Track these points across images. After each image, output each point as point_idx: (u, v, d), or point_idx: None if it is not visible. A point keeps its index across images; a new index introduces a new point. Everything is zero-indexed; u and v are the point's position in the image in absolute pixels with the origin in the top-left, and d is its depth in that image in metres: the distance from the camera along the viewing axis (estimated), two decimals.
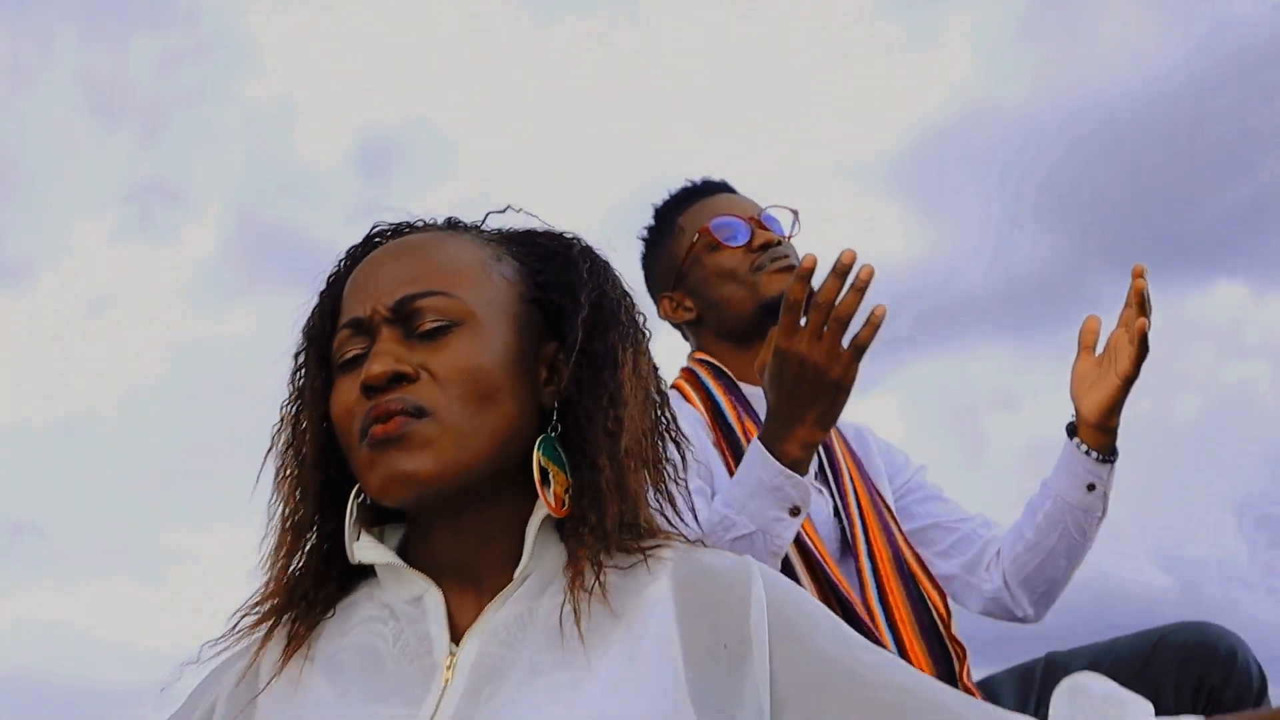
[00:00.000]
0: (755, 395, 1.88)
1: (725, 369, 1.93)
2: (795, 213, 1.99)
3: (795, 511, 1.53)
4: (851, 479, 1.86)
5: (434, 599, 1.01)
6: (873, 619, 1.72)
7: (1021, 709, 1.77)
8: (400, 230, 1.11)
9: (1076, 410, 1.77)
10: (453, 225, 1.12)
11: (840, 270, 1.45)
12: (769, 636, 0.96)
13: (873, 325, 1.48)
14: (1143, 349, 1.66)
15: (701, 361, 1.95)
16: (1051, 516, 1.82)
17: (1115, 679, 1.79)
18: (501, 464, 1.00)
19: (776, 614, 0.97)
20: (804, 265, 1.48)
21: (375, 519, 1.06)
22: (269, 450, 1.08)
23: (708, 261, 1.94)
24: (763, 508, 1.51)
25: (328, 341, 1.06)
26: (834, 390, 1.49)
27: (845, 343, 1.51)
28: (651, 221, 2.07)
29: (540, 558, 1.01)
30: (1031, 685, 1.83)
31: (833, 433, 1.88)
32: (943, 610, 1.77)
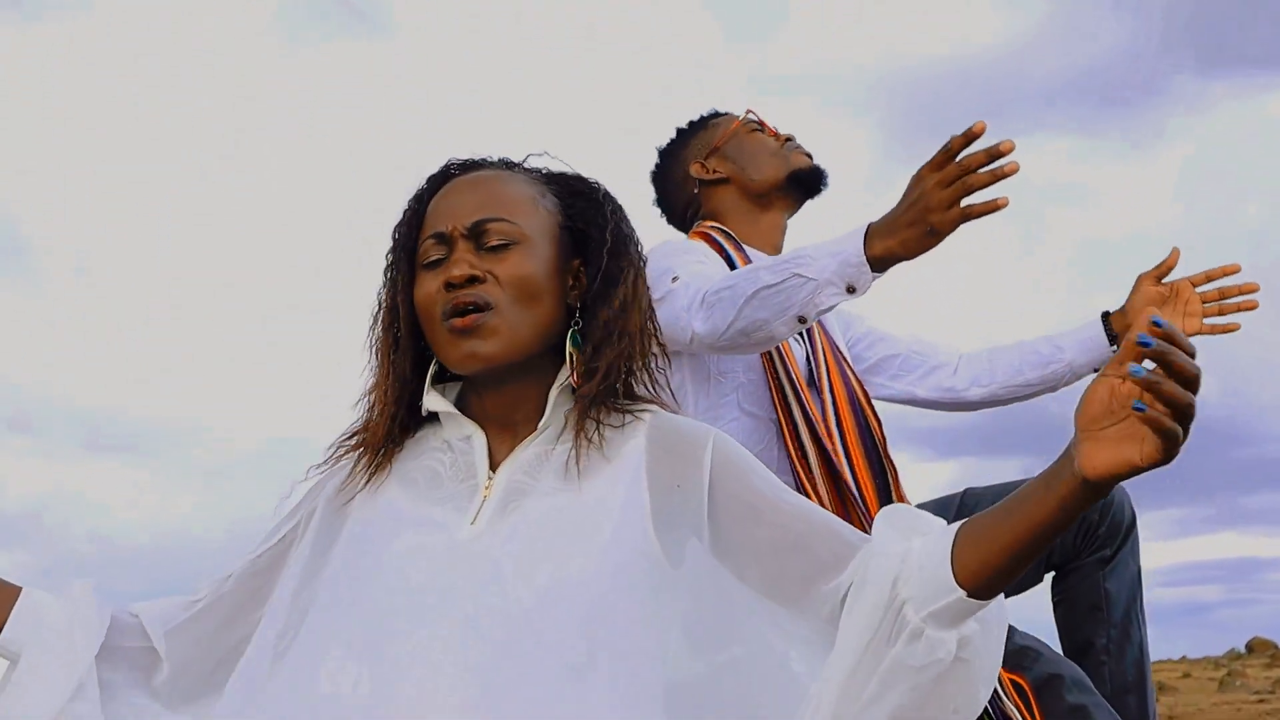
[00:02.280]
0: (760, 259, 2.22)
1: (734, 234, 2.33)
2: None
3: (851, 290, 1.83)
4: (820, 333, 2.28)
5: (479, 439, 1.40)
6: (830, 439, 2.11)
7: None
8: (468, 165, 1.47)
9: (1130, 315, 2.26)
10: (508, 165, 1.48)
11: (994, 152, 1.68)
12: (710, 478, 1.34)
13: (989, 207, 1.71)
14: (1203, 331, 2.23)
15: (714, 227, 2.35)
16: (1056, 375, 2.36)
17: None
18: (543, 346, 1.39)
19: (720, 462, 1.35)
20: (974, 128, 1.71)
21: (438, 379, 1.44)
22: (370, 326, 1.44)
23: (746, 139, 2.40)
24: (831, 269, 1.82)
25: (414, 246, 1.42)
26: (930, 231, 1.74)
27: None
28: (686, 125, 2.51)
29: (558, 414, 1.40)
30: (948, 508, 2.22)
31: None
32: (881, 436, 2.20)
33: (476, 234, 1.37)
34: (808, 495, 1.99)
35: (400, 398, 1.42)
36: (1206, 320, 2.20)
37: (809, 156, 2.38)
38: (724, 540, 1.34)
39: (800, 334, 2.23)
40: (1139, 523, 2.15)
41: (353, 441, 1.44)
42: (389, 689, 1.25)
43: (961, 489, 2.28)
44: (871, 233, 1.80)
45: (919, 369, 2.44)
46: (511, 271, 1.36)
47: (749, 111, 2.45)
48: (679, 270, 2.07)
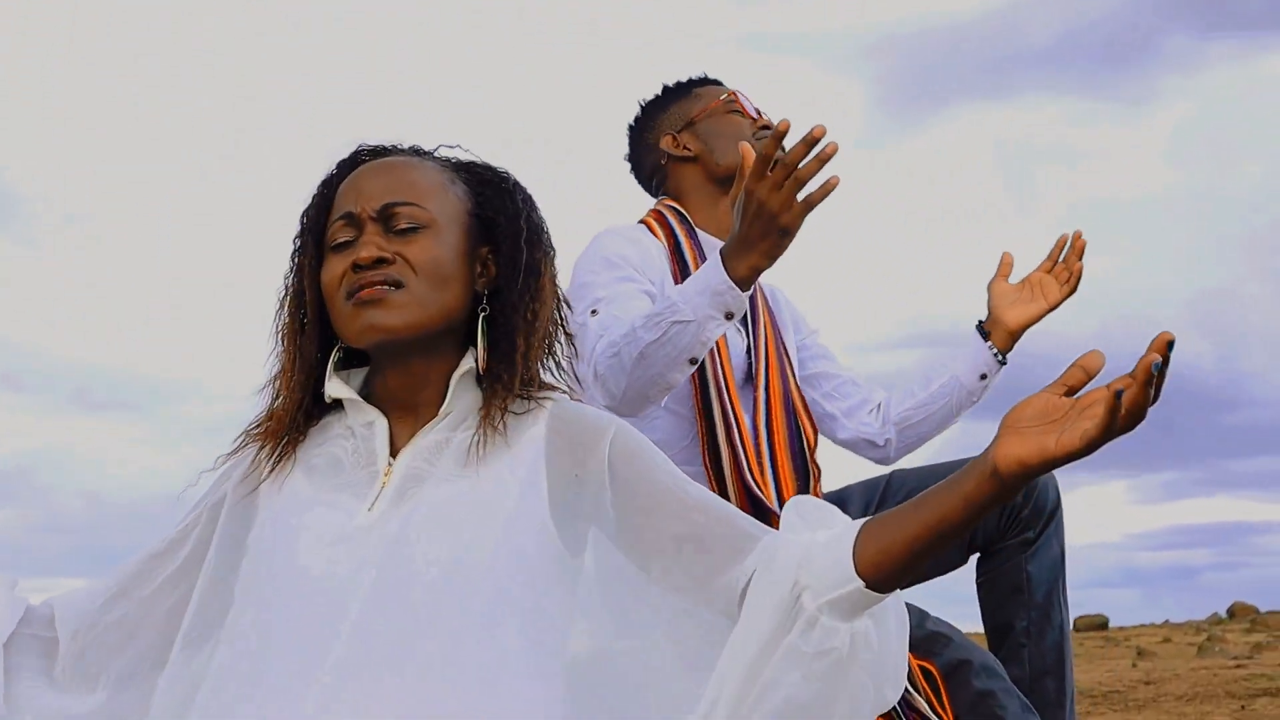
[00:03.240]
0: (710, 244, 2.26)
1: (689, 216, 2.33)
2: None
3: (729, 316, 1.87)
4: (765, 327, 2.27)
5: (381, 425, 1.41)
6: (756, 438, 2.11)
7: (864, 508, 2.18)
8: (379, 151, 1.47)
9: (995, 317, 2.34)
10: (418, 152, 1.48)
11: (810, 140, 1.73)
12: (610, 468, 1.35)
13: (825, 190, 1.76)
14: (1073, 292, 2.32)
15: (670, 207, 2.34)
16: (945, 388, 2.38)
17: None
18: (447, 328, 1.40)
19: (620, 452, 1.36)
20: (779, 128, 1.77)
21: (343, 365, 1.45)
22: (276, 311, 1.45)
23: (721, 117, 2.37)
24: (705, 305, 1.86)
25: (322, 230, 1.43)
26: (781, 233, 1.79)
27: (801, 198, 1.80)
28: (670, 85, 2.48)
29: (460, 400, 1.41)
30: (875, 493, 2.22)
31: (757, 289, 2.29)
32: (811, 439, 2.22)
33: (385, 216, 1.38)
34: None
35: (305, 384, 1.43)
36: (1065, 287, 2.34)
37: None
38: (625, 531, 1.34)
39: (742, 326, 2.23)
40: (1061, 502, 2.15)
41: (259, 430, 1.45)
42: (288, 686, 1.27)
43: (889, 472, 2.28)
44: (728, 256, 1.85)
45: (850, 399, 2.45)
46: (420, 254, 1.37)
47: (731, 93, 2.41)
48: (600, 296, 2.08)
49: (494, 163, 1.51)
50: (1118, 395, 1.08)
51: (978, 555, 2.18)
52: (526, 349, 1.39)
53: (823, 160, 1.73)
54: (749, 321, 2.24)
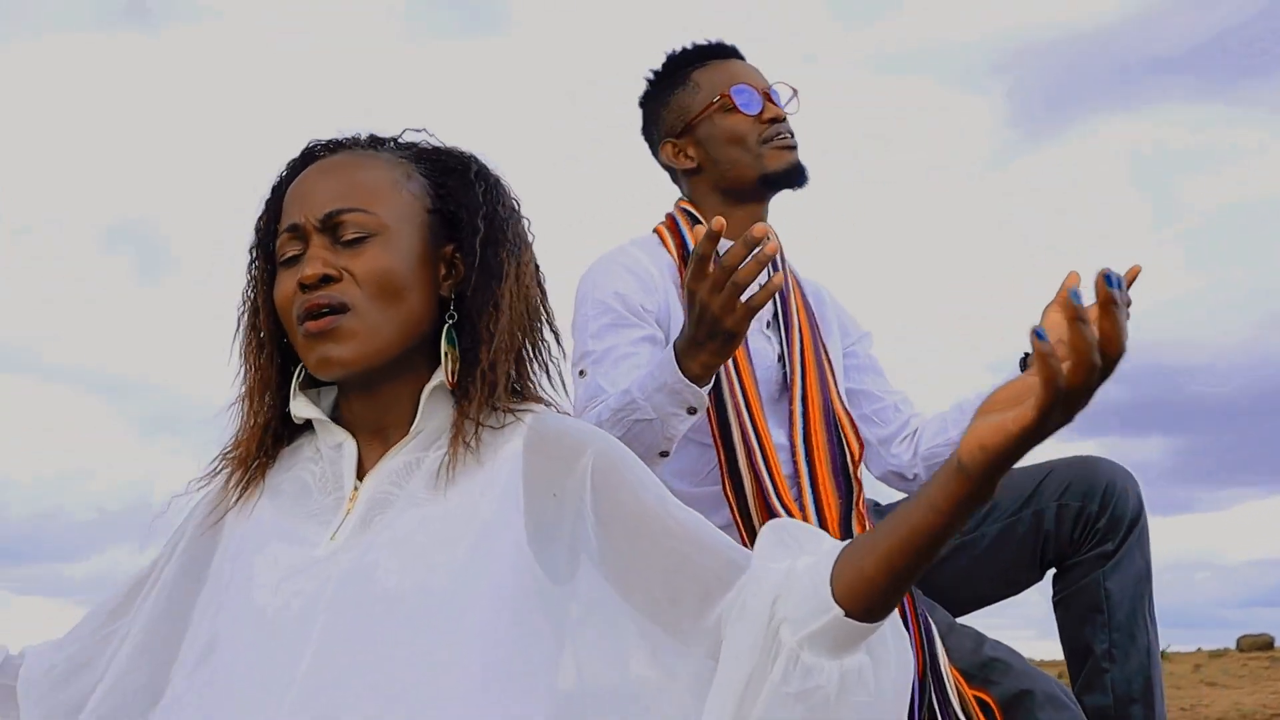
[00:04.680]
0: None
1: (704, 221, 2.11)
2: (795, 91, 2.18)
3: (692, 411, 1.74)
4: (801, 331, 2.08)
5: (350, 447, 1.30)
6: (793, 454, 1.95)
7: None
8: (331, 146, 1.35)
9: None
10: (374, 143, 1.36)
11: (749, 241, 1.60)
12: (592, 489, 1.22)
13: (768, 291, 1.62)
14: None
15: (685, 212, 2.16)
16: None
17: (1007, 505, 2.00)
18: (409, 346, 1.27)
19: (602, 469, 1.23)
20: (713, 226, 1.63)
21: (314, 382, 1.34)
22: (235, 327, 1.35)
23: (720, 122, 2.13)
24: (664, 403, 1.73)
25: (272, 241, 1.32)
26: (726, 336, 1.65)
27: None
28: (661, 69, 2.23)
29: (431, 417, 1.29)
30: None
31: (791, 286, 2.13)
32: (856, 453, 2.03)
33: (331, 227, 1.26)
34: (739, 530, 1.87)
35: (270, 404, 1.34)
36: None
37: (790, 149, 2.12)
38: (607, 557, 1.22)
39: (773, 332, 2.07)
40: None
41: (229, 455, 1.36)
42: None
43: None
44: (680, 353, 1.72)
45: (890, 425, 2.24)
46: (368, 267, 1.25)
47: (723, 95, 2.13)
48: (589, 351, 1.96)
49: (461, 147, 1.38)
50: (1038, 334, 0.90)
51: (1053, 571, 1.99)
52: (492, 360, 1.26)
53: (761, 263, 1.59)
54: (782, 326, 2.07)
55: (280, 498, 1.32)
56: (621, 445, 1.29)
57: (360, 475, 1.29)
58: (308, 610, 1.20)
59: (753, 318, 1.63)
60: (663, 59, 2.23)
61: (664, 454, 1.78)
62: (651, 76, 2.24)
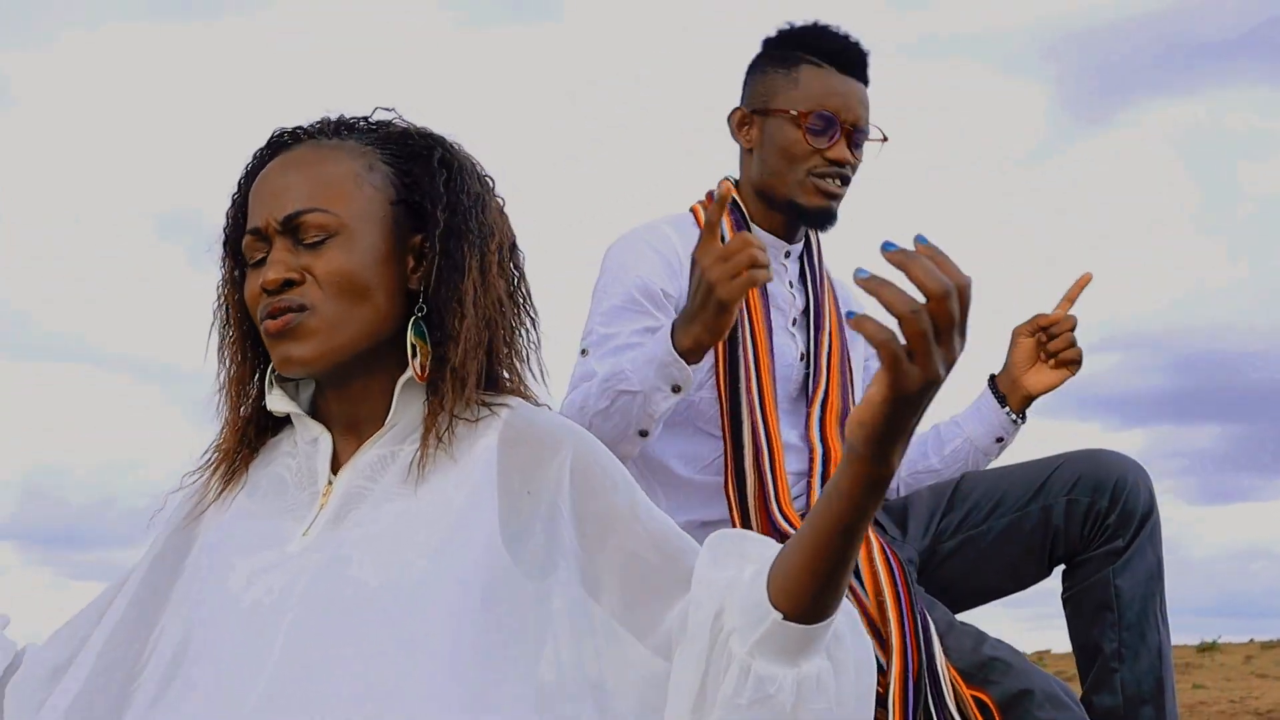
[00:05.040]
0: (761, 238, 2.01)
1: (742, 205, 2.07)
2: (886, 139, 2.07)
3: (676, 389, 1.72)
4: (831, 334, 2.05)
5: (325, 441, 1.29)
6: (810, 453, 1.92)
7: (929, 516, 1.97)
8: (297, 135, 1.33)
9: (1015, 378, 2.05)
10: (339, 130, 1.33)
11: (723, 198, 1.61)
12: (564, 488, 1.21)
13: (768, 275, 1.63)
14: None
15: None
16: (958, 453, 2.12)
17: (1014, 499, 1.96)
18: (376, 341, 1.26)
19: (576, 472, 1.22)
20: (722, 189, 1.61)
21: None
22: (211, 321, 1.35)
23: (788, 130, 2.01)
24: (651, 376, 1.71)
25: (239, 239, 1.31)
26: (718, 306, 1.63)
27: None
28: (781, 36, 2.09)
29: (406, 412, 1.28)
30: (942, 496, 2.01)
31: (825, 288, 2.09)
32: None
33: (292, 229, 1.25)
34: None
35: (248, 398, 1.34)
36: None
37: (830, 196, 2.01)
38: (580, 556, 1.21)
39: (798, 330, 2.03)
40: None
41: (215, 455, 1.36)
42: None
43: (959, 475, 2.06)
44: (677, 326, 1.70)
45: None
46: (328, 268, 1.24)
47: (803, 113, 2.00)
48: (592, 330, 1.92)
49: (430, 129, 1.35)
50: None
51: (1062, 568, 1.94)
52: (461, 358, 1.25)
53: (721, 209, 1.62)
54: (811, 326, 2.04)
55: (258, 492, 1.31)
56: (598, 442, 1.27)
57: (336, 469, 1.28)
58: (279, 605, 1.19)
59: (746, 291, 1.61)
60: (788, 26, 2.09)
61: (643, 433, 1.76)
62: (772, 37, 2.11)
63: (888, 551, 1.80)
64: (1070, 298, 2.05)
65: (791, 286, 2.05)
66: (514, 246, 1.35)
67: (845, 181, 2.03)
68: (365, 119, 1.35)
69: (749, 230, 2.03)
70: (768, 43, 2.11)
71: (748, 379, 1.90)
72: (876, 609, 1.72)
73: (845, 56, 2.05)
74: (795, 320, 2.03)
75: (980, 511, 1.95)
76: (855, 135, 2.02)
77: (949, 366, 0.93)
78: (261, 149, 1.35)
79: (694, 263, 1.64)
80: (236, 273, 1.33)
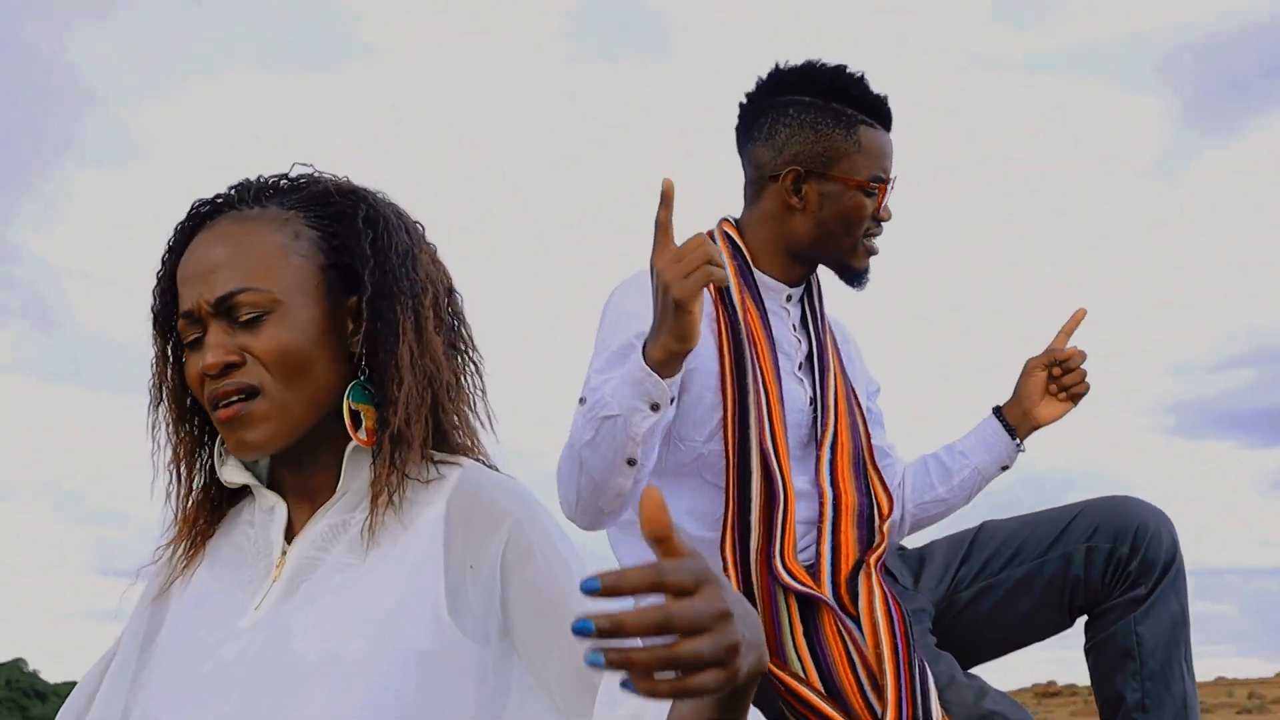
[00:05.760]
0: (765, 284, 2.00)
1: (744, 249, 2.02)
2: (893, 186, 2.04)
3: (655, 407, 1.65)
4: (835, 375, 2.01)
5: (281, 510, 1.28)
6: (820, 499, 1.90)
7: (946, 565, 1.94)
8: (218, 206, 1.31)
9: (1026, 409, 2.07)
10: (259, 196, 1.31)
11: (664, 194, 1.58)
12: (502, 567, 1.19)
13: (725, 275, 1.59)
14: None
15: (724, 234, 2.04)
16: (966, 484, 2.10)
17: (1034, 547, 1.93)
18: (323, 413, 1.26)
19: (513, 551, 1.19)
20: (665, 187, 1.57)
21: None
22: (149, 394, 1.33)
23: (852, 198, 1.97)
24: (629, 396, 1.66)
25: (169, 318, 1.31)
26: (675, 308, 1.58)
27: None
28: (830, 85, 2.01)
29: (357, 478, 1.27)
30: (960, 547, 1.97)
31: (826, 330, 2.05)
32: (884, 508, 1.94)
33: (226, 310, 1.24)
34: (733, 583, 1.79)
35: (201, 470, 1.33)
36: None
37: (874, 254, 2.02)
38: (515, 638, 1.19)
39: (805, 375, 1.99)
40: None
41: (173, 537, 1.35)
42: None
43: (978, 523, 2.03)
44: (647, 341, 1.65)
45: (894, 480, 2.15)
46: (268, 346, 1.23)
47: (870, 182, 1.97)
48: (589, 377, 1.87)
49: (351, 182, 1.33)
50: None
51: (1085, 618, 1.90)
52: (404, 419, 1.23)
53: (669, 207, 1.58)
54: (817, 369, 1.99)
55: (217, 564, 1.31)
56: (543, 518, 1.24)
57: (291, 538, 1.27)
58: (226, 680, 1.19)
59: (701, 289, 1.57)
60: (836, 74, 2.01)
61: (631, 461, 1.70)
62: (820, 88, 2.01)
63: (890, 601, 1.77)
64: (1068, 331, 2.07)
65: (795, 330, 2.02)
66: (451, 292, 1.33)
67: (880, 237, 2.04)
68: (285, 177, 1.34)
69: (751, 274, 2.00)
70: (807, 97, 2.01)
71: (760, 427, 1.84)
72: (875, 658, 1.70)
73: (887, 112, 2.02)
74: (801, 365, 1.99)
75: (999, 560, 1.92)
76: (890, 189, 2.01)
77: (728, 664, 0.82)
78: (182, 222, 1.33)
79: (651, 269, 1.60)
80: (170, 350, 1.32)
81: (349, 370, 1.27)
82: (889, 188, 1.99)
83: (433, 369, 1.26)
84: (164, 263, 1.33)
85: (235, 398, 1.22)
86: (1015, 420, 2.07)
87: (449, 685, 1.16)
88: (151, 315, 1.33)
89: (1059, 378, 2.04)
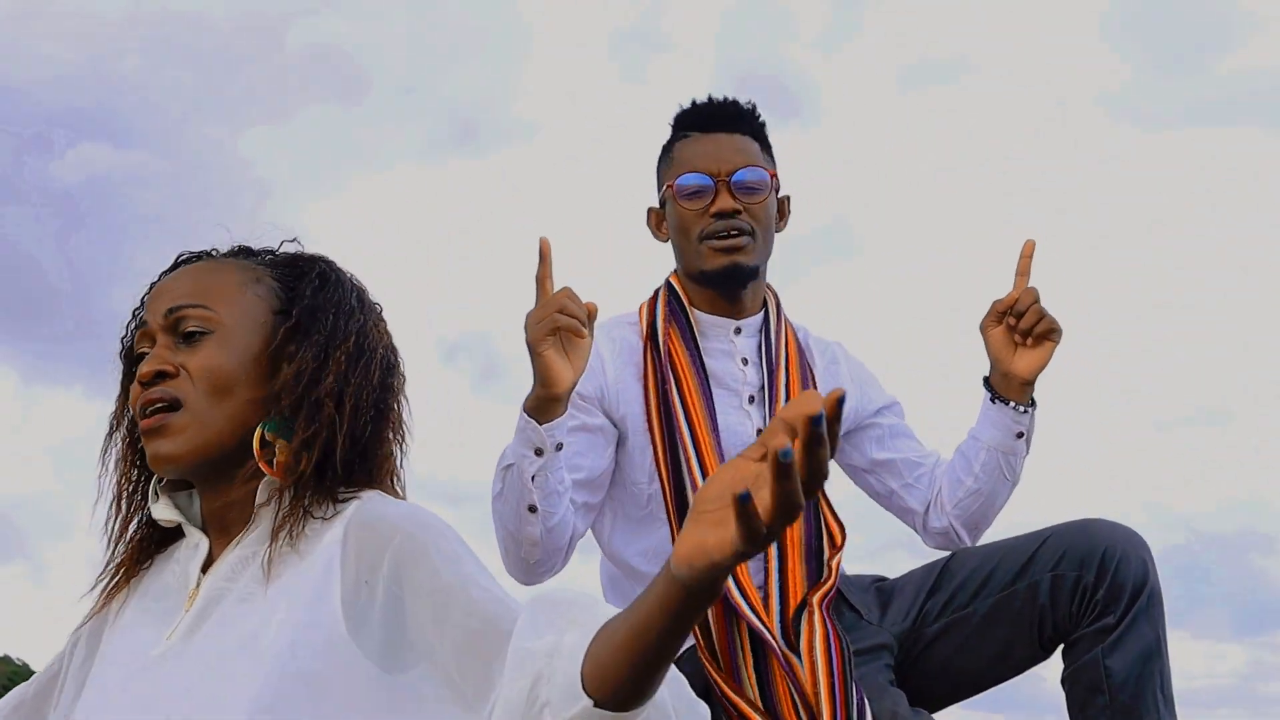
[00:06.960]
0: (711, 323, 2.02)
1: (682, 295, 2.04)
2: (773, 175, 2.05)
3: (539, 452, 1.70)
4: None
5: (204, 546, 1.34)
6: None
7: (914, 596, 1.89)
8: (199, 255, 1.42)
9: (1005, 373, 1.94)
10: (237, 254, 1.42)
11: (541, 251, 1.71)
12: (393, 579, 1.22)
13: (574, 323, 1.66)
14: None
15: (669, 284, 2.08)
16: (988, 466, 1.98)
17: (1001, 576, 1.89)
18: (241, 441, 1.31)
19: (403, 558, 1.23)
20: (541, 244, 1.69)
21: (186, 484, 1.39)
22: (106, 432, 1.41)
23: (672, 209, 2.04)
24: (517, 445, 1.72)
25: (133, 346, 1.38)
26: (531, 353, 1.67)
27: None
28: (671, 123, 2.13)
29: (269, 512, 1.32)
30: (931, 573, 1.93)
31: (789, 355, 2.03)
32: (838, 539, 1.93)
33: (173, 324, 1.32)
34: None
35: (136, 508, 1.40)
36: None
37: (728, 251, 1.97)
38: (415, 636, 1.22)
39: (756, 408, 1.97)
40: None
41: (109, 573, 1.41)
42: None
43: (949, 553, 1.97)
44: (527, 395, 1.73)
45: (931, 489, 2.09)
46: (201, 363, 1.30)
47: (670, 185, 2.02)
48: None
49: (322, 254, 1.42)
50: (742, 500, 0.81)
51: (1063, 647, 1.82)
52: (313, 460, 1.28)
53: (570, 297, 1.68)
54: (767, 399, 1.97)
55: (145, 600, 1.36)
56: (439, 526, 1.28)
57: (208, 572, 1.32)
58: (132, 710, 1.24)
59: (546, 334, 1.65)
60: (682, 110, 2.12)
61: (532, 509, 1.73)
62: (672, 128, 2.13)
63: (831, 639, 1.73)
64: (1022, 270, 1.93)
65: (747, 364, 2.00)
66: (386, 360, 1.38)
67: (743, 232, 1.97)
68: (269, 251, 1.43)
69: (688, 317, 2.01)
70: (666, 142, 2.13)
71: (688, 463, 1.86)
72: (812, 694, 1.67)
73: (712, 118, 2.05)
74: (753, 398, 1.97)
75: (966, 592, 1.85)
76: (737, 184, 1.98)
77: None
78: (166, 270, 1.42)
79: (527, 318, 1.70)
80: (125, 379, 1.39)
81: (274, 409, 1.32)
82: (738, 183, 1.98)
83: (351, 419, 1.32)
84: (142, 301, 1.41)
85: (158, 405, 1.29)
86: (999, 384, 1.96)
87: (342, 708, 1.19)
88: (122, 348, 1.42)
89: (1016, 327, 1.92)
